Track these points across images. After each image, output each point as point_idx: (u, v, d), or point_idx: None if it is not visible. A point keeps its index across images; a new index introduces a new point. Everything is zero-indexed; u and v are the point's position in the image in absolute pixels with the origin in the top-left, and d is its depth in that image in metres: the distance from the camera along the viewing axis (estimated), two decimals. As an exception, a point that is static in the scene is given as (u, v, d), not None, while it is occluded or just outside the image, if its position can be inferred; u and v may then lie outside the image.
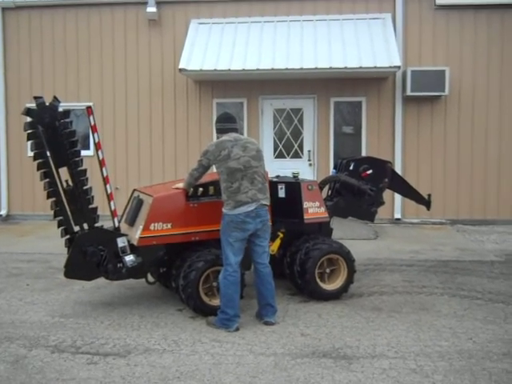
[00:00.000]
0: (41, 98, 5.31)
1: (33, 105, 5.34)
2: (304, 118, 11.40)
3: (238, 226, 5.04)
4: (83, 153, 11.92)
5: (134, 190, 6.29)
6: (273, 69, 10.28)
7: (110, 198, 5.61)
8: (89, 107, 5.54)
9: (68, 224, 5.55)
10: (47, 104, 5.31)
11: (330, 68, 10.16)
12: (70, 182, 5.50)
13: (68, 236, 5.59)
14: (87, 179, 5.60)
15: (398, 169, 10.39)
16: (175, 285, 5.57)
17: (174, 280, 5.57)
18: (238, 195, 5.03)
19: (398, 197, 10.63)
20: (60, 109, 5.42)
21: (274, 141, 11.37)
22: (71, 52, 11.83)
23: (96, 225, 5.64)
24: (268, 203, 5.23)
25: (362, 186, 6.76)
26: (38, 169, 5.37)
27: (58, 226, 5.58)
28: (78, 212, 5.54)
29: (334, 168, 7.31)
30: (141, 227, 5.50)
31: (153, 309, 5.74)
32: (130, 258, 5.51)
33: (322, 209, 6.17)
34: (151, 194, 5.66)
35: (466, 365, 4.32)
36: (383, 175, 7.02)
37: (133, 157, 11.76)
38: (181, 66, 10.47)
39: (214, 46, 10.82)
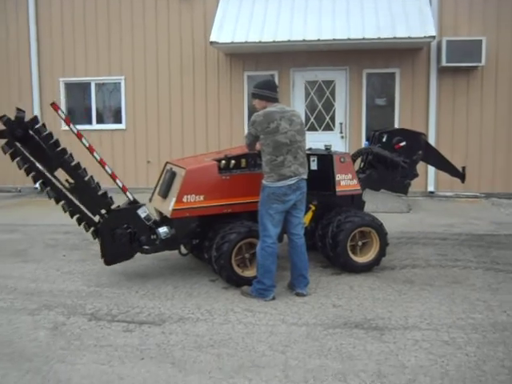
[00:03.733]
0: (3, 116, 5.16)
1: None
2: (336, 90, 11.28)
3: (279, 198, 5.03)
4: (114, 126, 12.17)
5: (167, 162, 6.33)
6: (304, 40, 10.15)
7: (113, 177, 5.59)
8: (53, 103, 5.42)
9: (87, 218, 5.58)
10: (12, 119, 5.17)
11: (363, 39, 9.99)
12: (70, 180, 5.47)
13: (92, 228, 5.64)
14: (85, 170, 5.55)
15: (431, 141, 10.23)
16: (208, 256, 5.63)
17: (207, 251, 5.64)
18: (282, 169, 5.00)
19: (431, 169, 10.50)
20: (26, 118, 5.26)
21: (306, 113, 11.28)
22: (102, 27, 11.89)
23: (112, 207, 5.66)
24: (307, 177, 5.22)
25: (395, 158, 6.68)
26: (35, 181, 5.35)
27: (79, 224, 5.64)
28: (90, 203, 5.54)
29: (367, 140, 7.23)
30: (174, 199, 5.55)
31: (186, 279, 5.83)
32: (163, 230, 5.60)
33: (355, 181, 6.13)
34: (184, 167, 5.70)
35: (499, 337, 4.28)
36: (417, 147, 6.91)
37: (164, 130, 11.84)
38: (212, 38, 10.42)
39: (244, 18, 10.73)
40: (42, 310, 4.96)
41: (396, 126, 10.83)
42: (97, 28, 11.90)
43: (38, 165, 5.30)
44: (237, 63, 11.46)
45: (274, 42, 10.22)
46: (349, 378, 3.66)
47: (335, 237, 5.82)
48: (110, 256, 5.61)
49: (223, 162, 5.74)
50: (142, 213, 5.61)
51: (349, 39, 10.03)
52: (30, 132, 5.24)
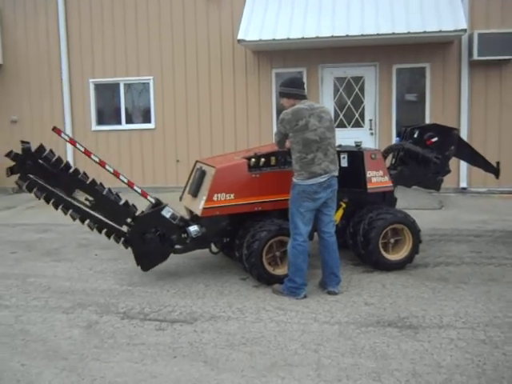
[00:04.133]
0: (11, 152, 5.20)
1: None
2: (365, 87, 11.17)
3: (309, 196, 4.98)
4: (144, 126, 12.27)
5: (197, 161, 6.34)
6: (333, 36, 10.06)
7: (130, 185, 5.61)
8: (54, 128, 5.39)
9: (115, 230, 5.62)
10: (19, 153, 5.21)
11: (393, 34, 9.86)
12: (90, 197, 5.52)
13: (122, 238, 5.67)
14: (101, 184, 5.59)
15: (464, 136, 10.03)
16: (239, 254, 5.63)
17: (238, 250, 5.63)
18: (312, 167, 4.96)
19: (463, 165, 10.33)
20: (32, 148, 5.28)
21: (335, 110, 11.19)
22: (130, 28, 11.98)
23: (137, 213, 5.69)
24: (337, 174, 5.17)
25: (426, 154, 6.58)
26: (56, 207, 5.41)
27: (109, 237, 5.67)
28: (114, 215, 5.56)
29: (398, 136, 7.14)
30: (204, 198, 5.56)
31: (217, 278, 5.84)
32: (194, 229, 5.61)
33: (386, 178, 6.05)
34: (214, 165, 5.70)
35: (538, 336, 4.18)
36: (449, 143, 6.79)
37: (193, 129, 11.88)
38: (239, 36, 10.41)
39: (272, 15, 10.68)
40: (75, 309, 5.02)
41: (427, 121, 10.67)
42: (125, 29, 12.00)
43: (55, 191, 5.35)
44: (265, 61, 11.43)
45: (302, 38, 10.15)
46: (383, 377, 3.61)
47: (367, 234, 5.75)
48: (145, 262, 5.66)
49: (253, 160, 5.73)
50: (166, 213, 5.62)
51: (378, 34, 9.91)
52: (40, 161, 5.27)
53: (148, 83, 12.04)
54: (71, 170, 5.43)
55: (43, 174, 5.30)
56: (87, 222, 5.55)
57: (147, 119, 12.17)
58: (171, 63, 11.87)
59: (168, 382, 3.61)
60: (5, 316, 4.88)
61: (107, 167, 5.51)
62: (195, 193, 5.84)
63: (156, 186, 11.81)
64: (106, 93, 12.47)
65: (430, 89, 10.89)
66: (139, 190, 5.67)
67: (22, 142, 5.30)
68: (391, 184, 6.13)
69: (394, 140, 10.06)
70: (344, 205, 6.00)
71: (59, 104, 12.36)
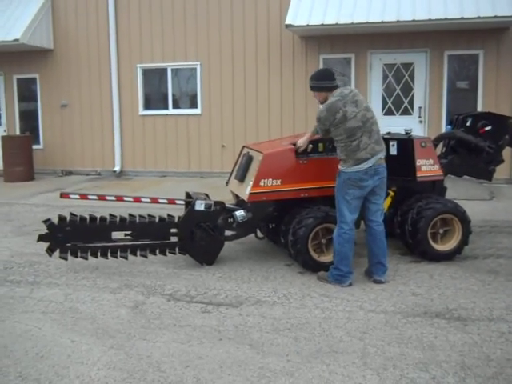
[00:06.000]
0: (40, 236, 5.45)
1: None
2: (415, 73, 10.91)
3: (355, 183, 4.92)
4: (190, 111, 12.31)
5: (244, 146, 6.34)
6: (383, 22, 9.85)
7: (153, 202, 5.97)
8: (61, 194, 5.73)
9: (166, 245, 5.71)
10: (47, 232, 5.45)
11: (445, 19, 9.57)
12: (127, 232, 5.66)
13: (177, 248, 5.74)
14: (131, 215, 5.71)
15: (517, 126, 9.72)
16: (284, 240, 5.61)
17: (283, 236, 5.62)
18: (358, 153, 4.90)
19: (516, 155, 9.99)
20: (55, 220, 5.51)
21: (383, 97, 11.00)
22: (178, 13, 12.02)
23: (176, 220, 5.78)
24: (384, 155, 5.07)
25: (479, 142, 6.40)
26: (105, 256, 5.58)
27: (165, 254, 5.75)
28: (157, 233, 5.70)
29: (450, 124, 6.96)
30: (251, 183, 5.56)
31: (262, 263, 5.84)
32: (240, 213, 5.62)
33: (436, 166, 5.92)
34: (261, 151, 5.68)
35: None
36: (503, 132, 6.58)
37: (239, 115, 11.88)
38: (287, 21, 10.31)
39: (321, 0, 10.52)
40: (122, 289, 5.11)
41: (479, 110, 10.36)
42: (173, 14, 12.05)
43: (96, 244, 5.56)
44: (312, 46, 11.30)
45: (351, 23, 9.98)
46: (430, 367, 3.55)
47: (415, 224, 5.65)
48: (206, 257, 5.76)
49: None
50: (199, 207, 5.65)
51: (430, 20, 9.65)
52: (68, 228, 5.47)
53: (195, 69, 12.09)
54: (97, 220, 5.58)
55: (77, 237, 5.52)
56: (139, 253, 5.68)
57: (194, 104, 12.24)
58: (218, 49, 11.87)
59: (214, 364, 3.64)
60: (55, 294, 5.02)
61: (126, 198, 5.90)
62: (242, 178, 5.84)
63: (201, 171, 11.91)
64: (154, 78, 12.59)
65: (483, 76, 10.56)
66: (166, 201, 5.92)
67: (43, 221, 5.53)
68: (441, 173, 6.00)
69: (445, 128, 9.84)
70: (392, 193, 5.91)
71: (107, 88, 12.54)
